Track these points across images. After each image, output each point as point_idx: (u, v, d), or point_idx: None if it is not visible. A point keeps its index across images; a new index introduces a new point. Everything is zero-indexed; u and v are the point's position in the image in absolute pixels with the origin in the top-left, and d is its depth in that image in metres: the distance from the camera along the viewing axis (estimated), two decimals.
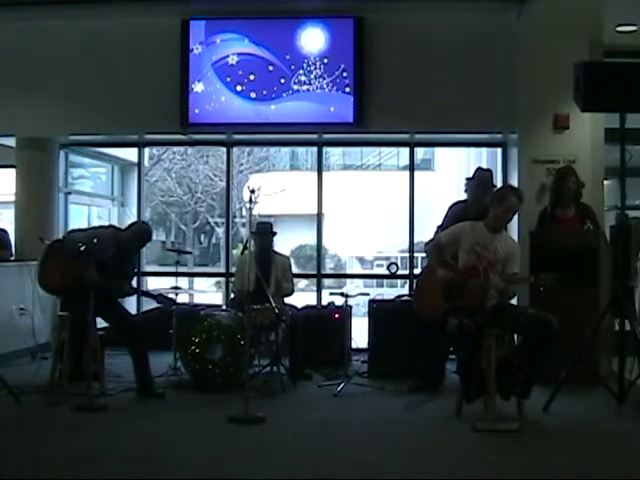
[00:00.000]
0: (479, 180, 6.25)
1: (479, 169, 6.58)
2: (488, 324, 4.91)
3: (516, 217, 6.93)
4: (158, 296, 6.12)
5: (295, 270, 7.08)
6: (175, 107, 7.82)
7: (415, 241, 8.15)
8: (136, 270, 6.24)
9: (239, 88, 7.80)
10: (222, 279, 9.49)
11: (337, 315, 6.86)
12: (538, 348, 4.84)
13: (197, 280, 15.43)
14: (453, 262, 5.25)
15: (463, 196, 6.44)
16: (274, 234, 6.68)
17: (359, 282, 14.74)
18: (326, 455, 4.28)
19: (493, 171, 6.60)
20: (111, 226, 6.15)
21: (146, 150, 9.37)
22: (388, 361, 6.43)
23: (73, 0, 7.77)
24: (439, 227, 6.34)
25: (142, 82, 7.84)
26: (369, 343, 6.67)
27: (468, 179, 6.41)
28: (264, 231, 6.61)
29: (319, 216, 8.45)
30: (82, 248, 5.39)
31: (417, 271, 7.49)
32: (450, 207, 6.43)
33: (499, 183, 8.09)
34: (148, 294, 6.44)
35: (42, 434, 4.66)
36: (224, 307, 7.09)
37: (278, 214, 16.54)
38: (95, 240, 5.59)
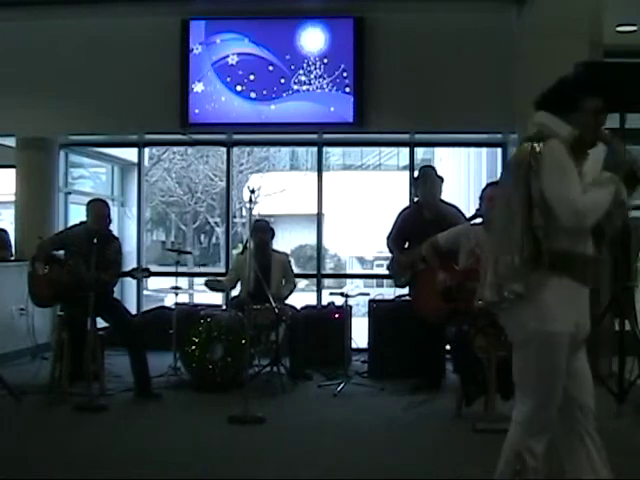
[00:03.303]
0: (425, 177, 6.30)
1: (422, 167, 6.62)
2: (489, 324, 4.91)
3: None
4: (131, 270, 6.11)
5: (295, 270, 7.08)
6: (175, 107, 7.82)
7: None
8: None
9: (239, 88, 7.80)
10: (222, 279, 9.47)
11: (337, 315, 6.86)
12: None
13: (197, 280, 15.41)
14: (452, 263, 5.26)
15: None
16: (273, 233, 6.68)
17: (359, 282, 14.73)
18: (326, 455, 4.28)
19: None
20: (82, 222, 6.07)
21: (146, 150, 9.38)
22: (388, 361, 6.43)
23: (73, 0, 7.77)
24: (389, 236, 6.34)
25: (142, 82, 7.84)
26: (369, 343, 6.67)
27: (415, 179, 6.45)
28: (261, 227, 6.60)
29: (319, 216, 8.45)
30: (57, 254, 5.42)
31: None
32: (400, 213, 6.43)
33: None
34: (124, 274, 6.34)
35: (42, 434, 4.66)
36: (224, 307, 7.09)
37: (278, 214, 16.54)
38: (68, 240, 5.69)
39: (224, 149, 8.84)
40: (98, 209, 5.87)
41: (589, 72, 2.95)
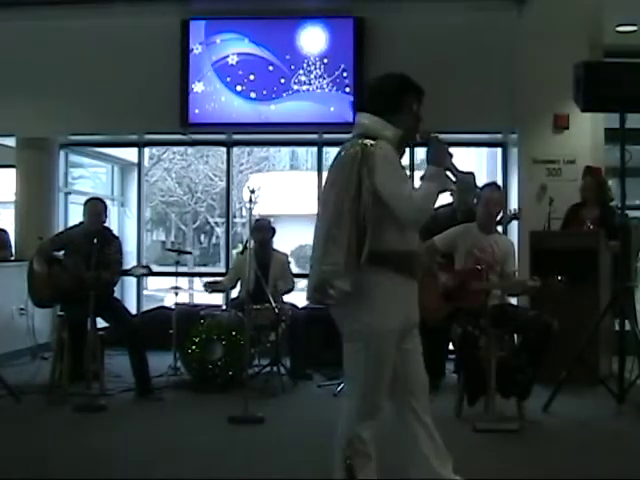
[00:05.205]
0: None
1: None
2: (490, 324, 4.91)
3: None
4: (131, 268, 6.11)
5: (295, 270, 7.08)
6: (175, 107, 7.82)
7: None
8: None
9: (239, 88, 7.80)
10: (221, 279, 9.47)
11: None
12: (536, 349, 4.85)
13: (197, 280, 15.41)
14: (449, 263, 5.26)
15: None
16: (274, 231, 6.67)
17: None
18: (326, 455, 4.27)
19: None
20: (82, 222, 6.06)
21: (146, 150, 9.38)
22: None
23: (73, 0, 7.77)
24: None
25: (142, 82, 7.83)
26: None
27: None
28: (262, 226, 6.61)
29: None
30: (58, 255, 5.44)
31: None
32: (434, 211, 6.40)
33: (499, 183, 8.10)
34: (124, 272, 6.33)
35: (42, 434, 4.66)
36: (224, 307, 7.08)
37: (278, 214, 16.53)
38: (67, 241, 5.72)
39: (224, 149, 8.84)
40: (92, 207, 5.87)
41: (404, 76, 3.09)
